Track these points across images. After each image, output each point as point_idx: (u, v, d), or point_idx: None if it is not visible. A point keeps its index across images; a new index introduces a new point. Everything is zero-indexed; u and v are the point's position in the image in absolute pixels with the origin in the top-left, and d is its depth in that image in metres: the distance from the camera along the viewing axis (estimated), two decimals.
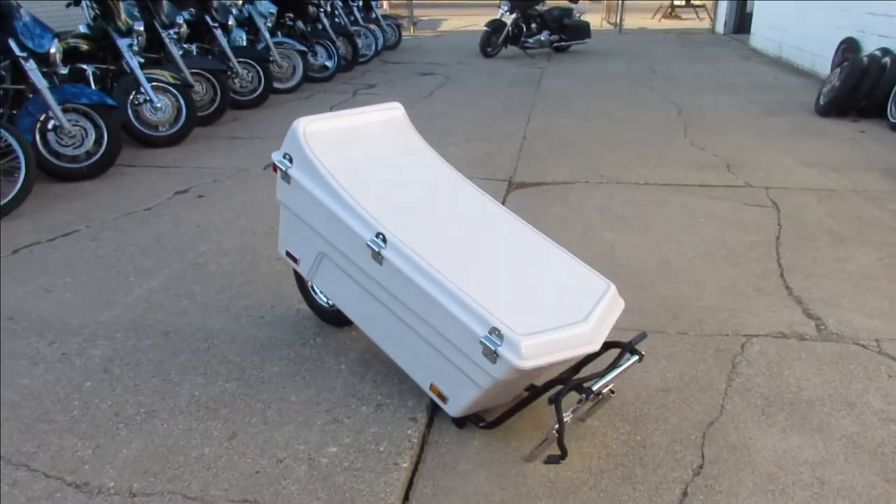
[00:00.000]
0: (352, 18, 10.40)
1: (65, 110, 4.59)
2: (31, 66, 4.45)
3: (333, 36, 9.06)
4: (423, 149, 2.49)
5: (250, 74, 7.02)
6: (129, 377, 2.42)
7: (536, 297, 2.02)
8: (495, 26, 10.90)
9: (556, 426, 1.84)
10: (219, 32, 6.75)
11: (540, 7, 10.98)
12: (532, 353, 1.84)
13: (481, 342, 1.86)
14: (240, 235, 3.72)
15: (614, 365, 2.03)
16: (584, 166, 5.01)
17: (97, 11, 5.35)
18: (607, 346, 2.10)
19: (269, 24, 7.75)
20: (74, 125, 4.64)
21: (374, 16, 11.32)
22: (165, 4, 6.12)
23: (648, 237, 3.71)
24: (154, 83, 5.44)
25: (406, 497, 1.92)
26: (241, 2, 7.62)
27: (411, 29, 15.19)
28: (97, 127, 4.72)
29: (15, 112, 4.56)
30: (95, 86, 5.46)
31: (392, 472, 1.98)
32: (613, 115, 6.76)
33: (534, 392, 2.10)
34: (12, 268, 3.33)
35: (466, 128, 6.25)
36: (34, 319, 2.82)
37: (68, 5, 5.57)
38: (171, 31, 6.05)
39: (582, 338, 1.92)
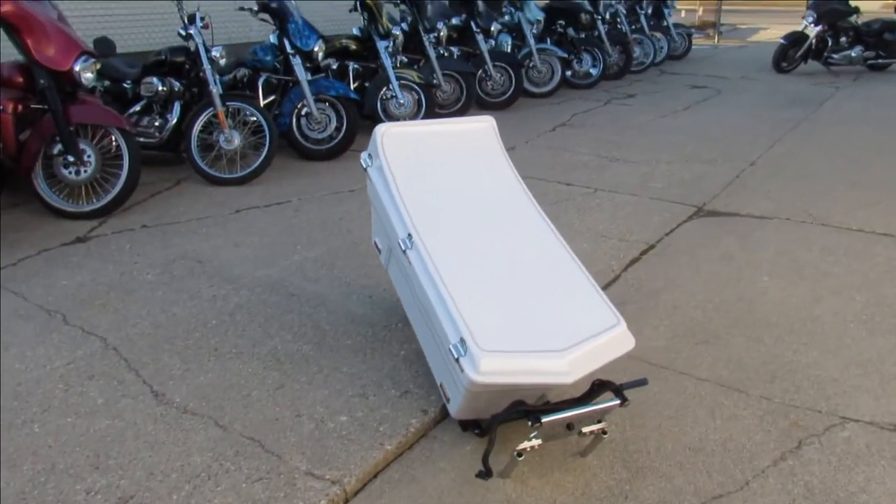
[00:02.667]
0: (636, 27, 10.27)
1: (317, 100, 5.44)
2: (296, 62, 5.37)
3: (607, 44, 9.08)
4: (499, 164, 2.59)
5: (502, 77, 7.43)
6: (242, 323, 2.95)
7: (531, 320, 2.05)
8: (794, 39, 9.87)
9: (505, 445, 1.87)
10: (480, 37, 7.28)
11: (853, 20, 9.65)
12: (490, 369, 1.90)
13: (450, 349, 1.97)
14: None
15: (584, 402, 1.98)
16: (798, 202, 4.48)
17: (365, 17, 6.19)
18: (600, 383, 2.04)
19: (536, 31, 8.08)
20: (322, 113, 5.48)
21: (664, 24, 11.01)
22: (430, 10, 6.80)
23: (811, 290, 3.28)
24: (402, 81, 6.12)
25: (375, 475, 2.11)
26: (512, 9, 8.07)
27: (716, 38, 14.35)
28: (339, 116, 5.51)
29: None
30: (355, 81, 6.33)
31: (375, 450, 2.18)
32: (883, 147, 5.82)
33: (511, 409, 2.11)
34: (228, 223, 4.15)
35: (697, 146, 5.92)
36: (213, 265, 3.54)
37: (351, 10, 6.51)
38: (431, 35, 6.70)
39: (550, 368, 1.91)
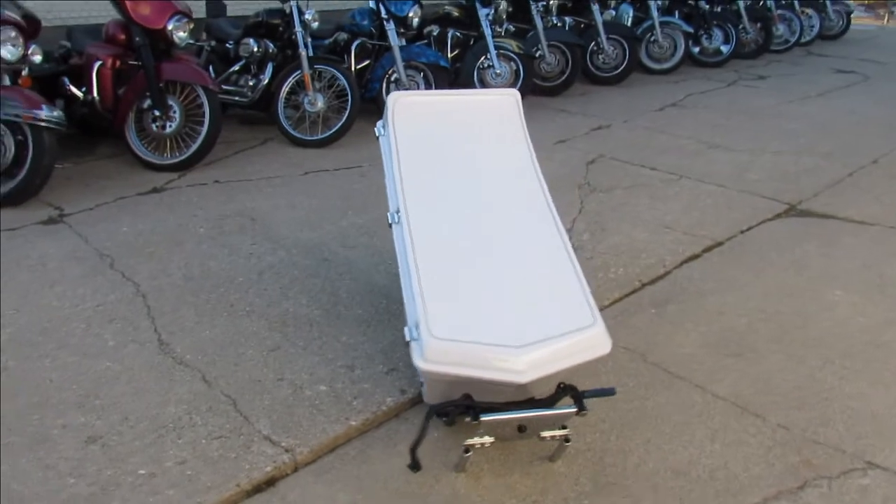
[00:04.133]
0: (785, 2, 9.36)
1: (408, 67, 5.41)
2: (390, 27, 5.36)
3: (745, 19, 8.35)
4: (515, 141, 2.43)
5: (616, 51, 7.05)
6: (266, 283, 3.02)
7: (499, 311, 1.92)
8: None
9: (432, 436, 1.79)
10: (595, 7, 6.93)
11: None
12: (436, 357, 1.80)
13: (405, 331, 1.89)
14: None
15: (539, 405, 1.83)
16: None
17: None
18: (564, 387, 1.88)
19: (661, 3, 7.57)
20: (411, 80, 5.45)
21: (819, 0, 9.97)
22: None
23: (889, 311, 2.87)
24: (501, 51, 5.96)
25: (332, 449, 2.09)
26: None
27: (885, 18, 12.83)
28: (428, 84, 5.45)
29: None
30: (455, 49, 6.24)
31: (339, 424, 2.16)
32: None
33: (452, 402, 1.97)
34: (294, 183, 4.25)
35: (815, 137, 5.33)
36: (264, 223, 3.63)
37: None
38: (540, 4, 6.46)
39: (503, 364, 1.78)
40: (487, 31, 5.91)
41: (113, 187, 4.15)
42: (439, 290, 1.92)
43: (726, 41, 8.12)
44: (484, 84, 6.06)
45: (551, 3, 6.57)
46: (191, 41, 4.76)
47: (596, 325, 1.88)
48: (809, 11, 9.58)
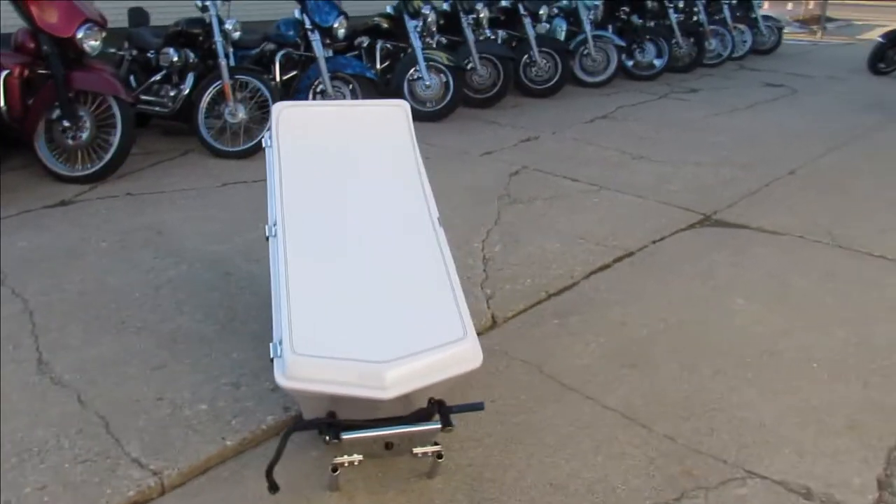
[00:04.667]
0: (717, 17, 9.59)
1: (334, 78, 5.36)
2: (315, 38, 5.31)
3: (678, 34, 8.53)
4: (402, 153, 2.39)
5: (548, 64, 7.11)
6: (162, 298, 2.92)
7: (368, 325, 1.87)
8: (894, 38, 8.93)
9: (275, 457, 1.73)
10: (527, 21, 6.98)
11: None
12: (298, 374, 1.74)
13: (270, 347, 1.83)
14: None
15: (405, 422, 1.79)
16: (823, 219, 4.01)
17: None
18: (434, 402, 1.84)
19: (594, 17, 7.68)
20: (337, 91, 5.40)
21: (752, 15, 10.24)
22: None
23: (787, 320, 2.91)
24: (430, 62, 5.95)
25: (205, 471, 2.01)
26: None
27: (818, 34, 13.27)
28: (354, 95, 5.41)
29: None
30: (385, 60, 6.22)
31: (213, 444, 2.08)
32: None
33: (313, 421, 1.91)
34: (209, 196, 4.15)
35: (738, 149, 5.44)
36: (171, 237, 3.53)
37: None
38: (470, 17, 6.48)
39: (366, 380, 1.73)
40: (416, 43, 5.91)
41: (19, 200, 4.00)
42: (307, 306, 1.87)
43: (659, 55, 8.28)
44: (414, 96, 6.04)
45: (482, 16, 6.59)
46: (111, 50, 4.64)
47: (467, 338, 1.85)
48: (742, 27, 9.83)
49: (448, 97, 6.04)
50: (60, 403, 2.24)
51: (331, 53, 5.48)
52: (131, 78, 5.49)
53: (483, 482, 1.98)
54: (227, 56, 4.85)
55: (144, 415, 2.19)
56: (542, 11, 7.15)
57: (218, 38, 4.82)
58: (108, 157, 4.26)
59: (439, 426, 1.78)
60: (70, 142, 4.29)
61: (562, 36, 7.65)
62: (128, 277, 3.09)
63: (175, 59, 5.07)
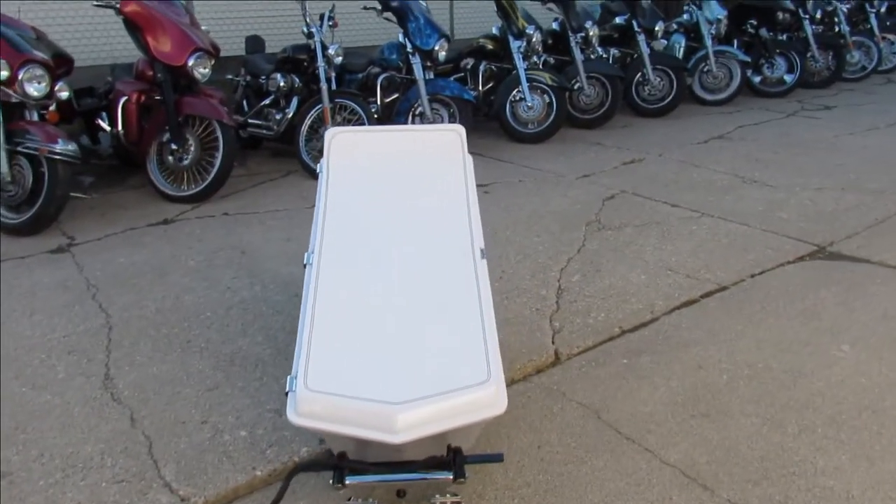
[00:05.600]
0: (863, 27, 8.79)
1: (433, 100, 5.38)
2: (415, 61, 5.36)
3: (814, 47, 7.89)
4: (453, 180, 2.30)
5: (662, 82, 6.78)
6: (231, 319, 2.99)
7: (389, 364, 1.78)
8: None
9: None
10: (641, 38, 6.70)
11: None
12: (309, 411, 1.68)
13: (287, 380, 1.79)
14: None
15: (415, 469, 1.68)
16: None
17: (500, 16, 5.98)
18: (451, 451, 1.72)
19: (714, 31, 7.25)
20: (435, 113, 5.40)
21: None
22: (579, 9, 6.40)
23: None
24: (533, 83, 5.83)
25: (231, 501, 1.99)
26: (693, 7, 7.33)
27: None
28: (452, 117, 5.39)
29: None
30: (489, 82, 6.17)
31: (244, 473, 2.06)
32: None
33: (319, 462, 1.83)
34: (297, 216, 4.25)
35: (867, 172, 4.90)
36: (252, 257, 3.63)
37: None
38: (579, 35, 6.30)
39: (377, 422, 1.65)
40: (519, 64, 5.80)
41: (126, 218, 4.27)
42: (328, 340, 1.81)
43: (791, 70, 7.67)
44: (516, 117, 5.94)
45: (591, 34, 6.38)
46: (229, 76, 4.89)
47: (489, 382, 1.71)
48: (892, 37, 8.94)
49: (551, 118, 5.88)
50: (114, 420, 2.31)
51: (431, 76, 5.49)
52: (244, 102, 5.78)
53: None
54: (328, 80, 4.97)
55: (186, 438, 2.22)
56: (658, 27, 6.82)
57: (321, 62, 4.96)
58: (210, 178, 4.47)
59: (450, 476, 1.65)
60: (177, 163, 4.54)
61: (680, 53, 7.28)
62: (204, 296, 3.19)
63: (281, 83, 5.27)
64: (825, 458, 2.09)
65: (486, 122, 6.26)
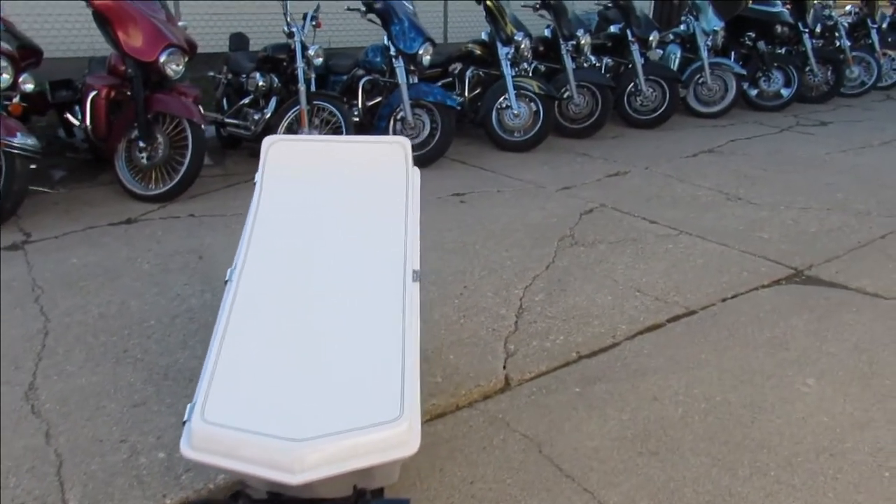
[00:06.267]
0: (864, 42, 8.65)
1: (416, 105, 5.25)
2: (398, 64, 5.23)
3: (813, 61, 7.75)
4: (393, 195, 2.17)
5: (654, 93, 6.64)
6: (174, 329, 2.87)
7: (296, 396, 1.65)
8: None
9: None
10: (634, 48, 6.56)
11: None
12: (203, 445, 1.56)
13: (187, 408, 1.66)
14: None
15: None
16: None
17: (489, 21, 5.85)
18: (358, 492, 1.60)
19: (711, 43, 7.11)
20: (417, 119, 5.27)
21: None
22: (571, 17, 6.27)
23: (867, 409, 2.40)
24: (521, 90, 5.71)
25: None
26: (691, 18, 7.20)
27: None
28: (434, 123, 5.26)
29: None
30: (476, 88, 6.04)
31: (151, 501, 1.94)
32: None
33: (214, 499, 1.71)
34: None
35: (856, 192, 4.76)
36: (209, 262, 3.51)
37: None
38: (570, 43, 6.17)
39: (275, 460, 1.52)
40: (507, 71, 5.68)
41: (89, 216, 4.16)
42: (235, 366, 1.69)
43: (788, 84, 7.53)
44: (502, 125, 5.81)
45: (583, 42, 6.25)
46: (210, 73, 4.77)
47: (400, 420, 1.58)
48: (893, 53, 8.79)
49: (537, 127, 5.76)
50: (28, 435, 2.19)
51: (416, 80, 5.36)
52: (224, 101, 5.67)
53: None
54: (308, 82, 4.86)
55: (100, 458, 2.10)
56: (653, 37, 6.69)
57: (300, 63, 4.84)
58: (178, 177, 4.35)
59: None
60: (145, 161, 4.43)
61: (675, 64, 7.15)
62: (151, 303, 3.07)
63: (260, 83, 5.16)
64: (776, 503, 1.96)
65: (473, 129, 6.13)
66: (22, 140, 3.78)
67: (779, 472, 2.09)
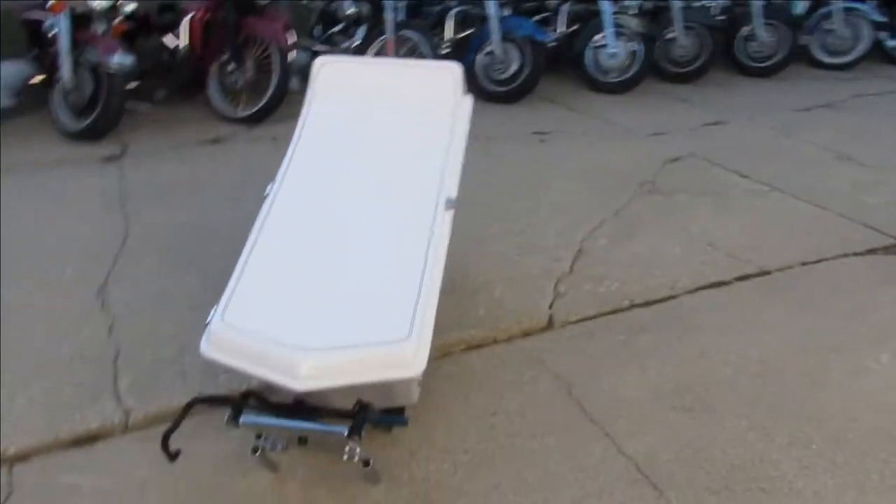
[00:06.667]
0: None
1: (505, 39, 5.11)
2: None
3: None
4: (439, 123, 2.12)
5: (772, 39, 6.13)
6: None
7: (313, 308, 1.69)
8: None
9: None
10: None
11: None
12: (219, 344, 1.64)
13: (211, 311, 1.74)
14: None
15: (311, 417, 1.60)
16: None
17: None
18: (360, 406, 1.63)
19: None
20: (506, 54, 5.13)
21: None
22: None
23: None
24: (619, 29, 5.42)
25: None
26: None
27: None
28: (523, 58, 5.10)
29: None
30: (570, 24, 5.78)
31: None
32: None
33: (220, 397, 1.77)
34: None
35: None
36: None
37: None
38: None
39: (281, 365, 1.57)
40: (606, 7, 5.39)
41: (182, 133, 4.36)
42: (259, 276, 1.75)
43: None
44: (597, 64, 5.56)
45: None
46: (304, 1, 4.85)
47: (408, 340, 1.59)
48: None
49: (635, 68, 5.47)
50: (94, 328, 2.38)
51: (509, 13, 5.20)
52: (318, 28, 5.72)
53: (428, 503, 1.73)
54: (396, 10, 4.81)
55: (152, 353, 2.25)
56: None
57: None
58: (263, 101, 4.46)
59: (344, 432, 1.56)
60: (235, 84, 4.56)
61: (802, 8, 6.53)
62: (224, 218, 3.21)
63: (350, 10, 5.16)
64: (807, 479, 1.84)
65: (568, 68, 5.91)
66: (119, 59, 3.97)
67: (822, 446, 1.96)
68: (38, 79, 4.34)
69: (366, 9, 5.16)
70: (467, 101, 2.23)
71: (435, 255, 1.79)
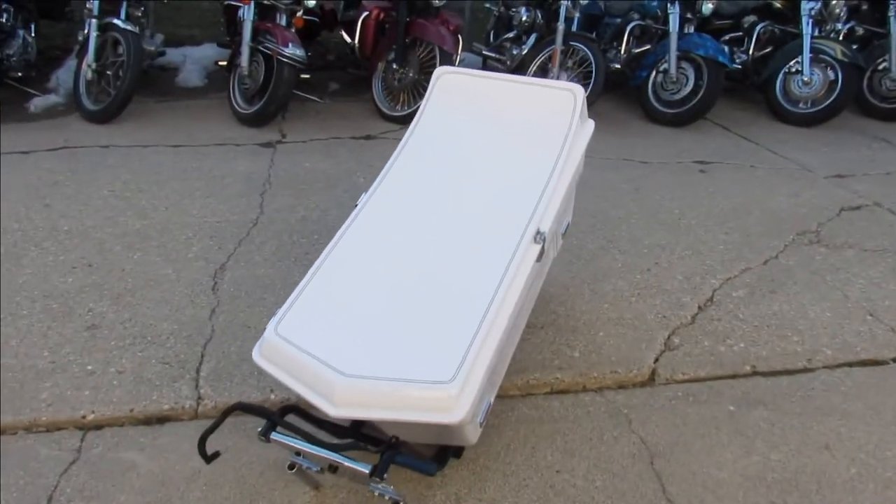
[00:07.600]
0: None
1: (683, 58, 4.77)
2: (672, 10, 4.77)
3: None
4: (550, 148, 1.97)
5: None
6: None
7: (363, 332, 1.62)
8: None
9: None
10: None
11: None
12: (268, 354, 1.63)
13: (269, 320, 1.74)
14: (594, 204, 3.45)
15: (339, 450, 1.53)
16: None
17: None
18: (392, 444, 1.55)
19: None
20: (681, 73, 4.79)
21: None
22: None
23: None
24: (818, 54, 4.87)
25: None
26: None
27: None
28: (699, 79, 4.73)
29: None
30: (768, 45, 5.28)
31: (257, 392, 2.10)
32: None
33: (264, 409, 1.72)
34: None
35: None
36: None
37: None
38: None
39: (322, 387, 1.53)
40: (806, 29, 4.84)
41: (338, 127, 4.52)
42: (323, 292, 1.72)
43: None
44: (787, 92, 5.02)
45: None
46: (487, 5, 4.84)
47: (450, 384, 1.48)
48: None
49: (830, 100, 4.87)
50: (199, 308, 2.50)
51: (691, 30, 4.84)
52: (493, 33, 5.69)
53: None
54: (569, 20, 4.66)
55: (239, 343, 2.32)
56: None
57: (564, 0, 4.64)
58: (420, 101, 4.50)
59: (367, 471, 1.48)
60: (396, 83, 4.65)
61: None
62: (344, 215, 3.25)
63: (524, 18, 5.07)
64: None
65: (752, 93, 5.40)
66: (292, 50, 4.18)
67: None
68: (223, 62, 4.71)
69: (540, 17, 5.03)
70: (587, 127, 2.07)
71: (505, 293, 1.66)
